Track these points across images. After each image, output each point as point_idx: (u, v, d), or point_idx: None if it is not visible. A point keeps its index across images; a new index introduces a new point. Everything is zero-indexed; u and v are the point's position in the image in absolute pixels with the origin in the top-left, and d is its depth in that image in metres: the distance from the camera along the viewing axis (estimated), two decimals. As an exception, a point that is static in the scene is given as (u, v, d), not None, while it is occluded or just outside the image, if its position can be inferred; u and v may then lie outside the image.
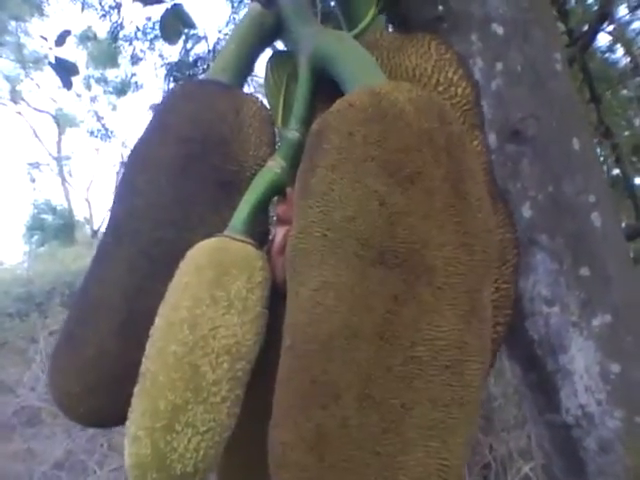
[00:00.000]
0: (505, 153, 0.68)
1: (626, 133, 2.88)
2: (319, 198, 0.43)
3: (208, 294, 0.46)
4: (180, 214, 0.54)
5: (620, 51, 2.99)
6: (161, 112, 0.57)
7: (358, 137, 0.42)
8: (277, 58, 0.59)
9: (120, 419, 0.50)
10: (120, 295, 0.53)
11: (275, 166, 0.53)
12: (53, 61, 1.84)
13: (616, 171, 2.64)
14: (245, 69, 0.60)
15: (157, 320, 0.47)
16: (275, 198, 0.55)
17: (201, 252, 0.49)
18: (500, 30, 0.67)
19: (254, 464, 0.51)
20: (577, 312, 0.66)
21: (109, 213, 0.58)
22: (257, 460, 0.50)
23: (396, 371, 0.37)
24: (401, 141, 0.41)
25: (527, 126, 0.67)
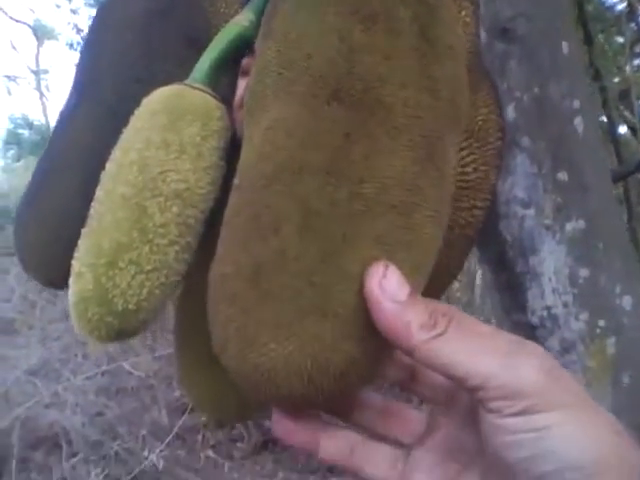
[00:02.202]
0: (493, 51, 0.67)
1: (616, 80, 2.86)
2: (278, 38, 0.41)
3: (160, 137, 0.45)
4: (146, 71, 0.52)
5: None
6: None
7: None
8: None
9: None
10: (83, 153, 0.52)
11: (243, 20, 0.50)
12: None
13: (600, 118, 2.64)
14: None
15: (108, 165, 0.46)
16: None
17: (157, 98, 0.47)
18: None
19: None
20: (552, 216, 0.67)
21: (74, 72, 0.56)
22: None
23: (340, 206, 0.36)
24: None
25: (517, 25, 0.65)
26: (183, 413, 2.60)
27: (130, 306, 0.43)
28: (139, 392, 2.89)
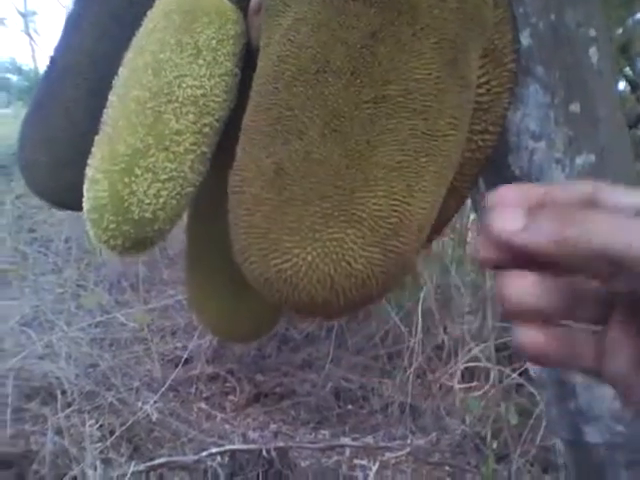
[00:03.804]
0: (511, -25, 0.64)
1: (618, 32, 2.81)
2: None
3: (175, 39, 0.43)
4: None
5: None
6: None
7: None
8: None
9: None
10: (89, 61, 0.50)
11: None
12: None
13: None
14: None
15: (120, 69, 0.45)
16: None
17: None
18: None
19: (221, 243, 0.51)
20: (562, 149, 0.65)
21: None
22: (224, 239, 0.49)
23: (365, 108, 0.35)
24: None
25: (538, -55, 0.62)
26: (176, 365, 2.61)
27: (147, 215, 0.42)
28: (133, 344, 2.90)
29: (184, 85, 0.43)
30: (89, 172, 0.43)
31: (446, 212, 0.48)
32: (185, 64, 0.43)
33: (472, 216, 2.63)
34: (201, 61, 0.43)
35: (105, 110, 0.44)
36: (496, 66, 0.48)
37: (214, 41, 0.44)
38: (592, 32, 0.65)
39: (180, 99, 0.42)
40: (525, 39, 0.63)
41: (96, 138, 0.44)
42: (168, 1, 0.45)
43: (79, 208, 0.54)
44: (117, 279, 3.24)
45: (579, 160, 0.65)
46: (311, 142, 0.35)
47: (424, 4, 0.37)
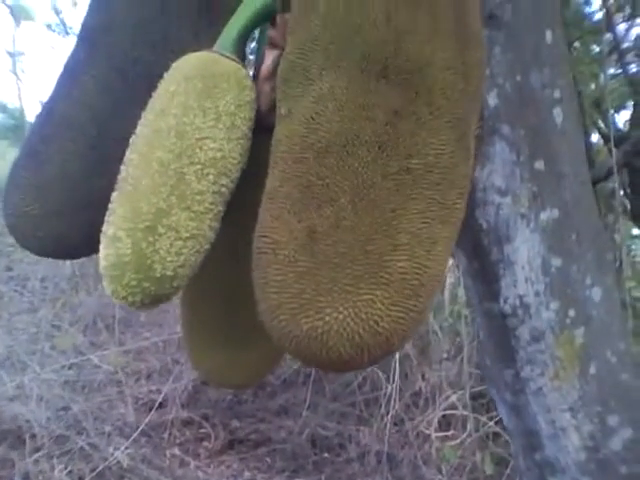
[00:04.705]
0: (478, 38, 0.67)
1: (592, 86, 2.91)
2: (323, 13, 0.42)
3: (197, 104, 0.45)
4: (160, 35, 0.51)
5: (596, 4, 2.98)
6: None
7: None
8: None
9: (76, 250, 0.48)
10: (90, 115, 0.51)
11: None
12: None
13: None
14: None
15: (139, 128, 0.45)
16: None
17: (190, 63, 0.47)
18: None
19: (224, 295, 0.52)
20: (527, 204, 0.67)
21: (82, 22, 0.54)
22: (227, 291, 0.50)
23: (390, 178, 0.38)
24: None
25: (504, 11, 0.66)
26: (150, 409, 2.56)
27: (168, 272, 0.43)
28: (106, 387, 2.84)
29: (205, 148, 0.44)
30: (109, 229, 0.44)
31: None
32: (207, 128, 0.45)
33: (449, 262, 2.65)
34: (221, 125, 0.45)
35: (123, 167, 0.45)
36: None
37: (233, 106, 0.46)
38: (557, 93, 0.68)
39: (202, 161, 0.44)
40: (492, 99, 0.66)
41: (114, 194, 0.45)
42: (187, 66, 0.47)
43: (63, 257, 0.54)
44: (93, 320, 3.20)
45: (543, 215, 0.67)
46: (342, 209, 0.38)
47: (438, 86, 0.40)
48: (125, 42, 0.51)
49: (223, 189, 0.46)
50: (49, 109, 0.53)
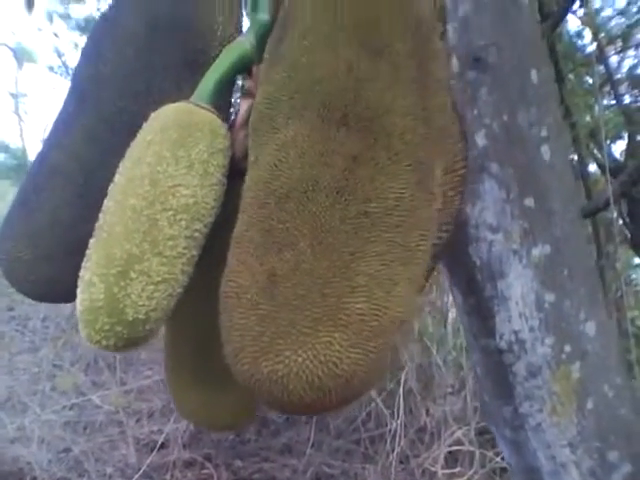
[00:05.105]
0: (465, 79, 0.68)
1: (587, 118, 2.94)
2: (288, 64, 0.44)
3: (170, 153, 0.46)
4: (143, 86, 0.53)
5: (588, 37, 3.04)
6: None
7: (331, 7, 0.43)
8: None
9: (69, 294, 0.49)
10: (78, 164, 0.53)
11: (245, 42, 0.53)
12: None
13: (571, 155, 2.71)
14: None
15: (117, 177, 0.47)
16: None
17: (166, 114, 0.49)
18: (471, -45, 0.68)
19: (201, 337, 0.52)
20: (519, 241, 0.68)
21: (72, 75, 0.56)
22: (204, 333, 0.51)
23: (349, 222, 0.39)
24: (373, 15, 0.43)
25: (488, 54, 0.67)
26: (152, 450, 2.53)
27: (140, 316, 0.44)
28: (107, 427, 2.82)
29: (178, 195, 0.46)
30: (84, 275, 0.45)
31: None
32: (179, 175, 0.46)
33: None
34: (194, 172, 0.47)
35: (101, 215, 0.47)
36: (449, 172, 0.52)
37: (206, 154, 0.48)
38: (544, 131, 0.69)
39: (174, 207, 0.46)
40: (480, 139, 0.67)
41: (91, 241, 0.46)
42: (163, 116, 0.49)
43: (56, 301, 0.56)
44: (94, 359, 3.18)
45: (535, 251, 0.68)
46: (301, 253, 0.38)
47: (397, 131, 0.41)
48: (112, 93, 0.54)
49: (196, 234, 0.47)
50: (41, 159, 0.55)
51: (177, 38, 0.54)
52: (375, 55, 0.42)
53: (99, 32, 0.57)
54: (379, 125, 0.41)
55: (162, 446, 2.53)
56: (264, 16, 0.53)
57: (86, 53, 0.57)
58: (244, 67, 0.54)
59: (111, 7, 0.57)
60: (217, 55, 0.54)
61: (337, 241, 0.39)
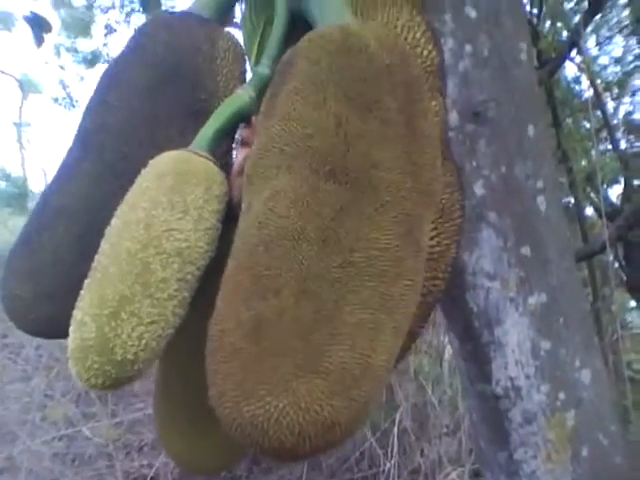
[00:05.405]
0: (464, 132, 0.71)
1: (583, 162, 2.99)
2: (281, 118, 0.46)
3: (166, 198, 0.48)
4: (148, 134, 0.55)
5: (585, 84, 3.10)
6: (139, 36, 0.59)
7: (324, 64, 0.45)
8: (257, 2, 0.61)
9: (67, 331, 0.50)
10: (81, 206, 0.54)
11: (244, 94, 0.55)
12: (28, 14, 1.81)
13: (567, 199, 2.75)
14: (226, 7, 0.61)
15: (113, 220, 0.49)
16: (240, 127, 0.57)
17: (164, 161, 0.51)
18: (473, 13, 0.70)
19: (192, 378, 0.53)
20: (515, 289, 0.70)
21: (78, 125, 0.58)
22: (194, 374, 0.51)
23: (333, 271, 0.40)
24: (362, 72, 0.45)
25: (487, 108, 0.70)
26: (141, 484, 2.49)
27: (129, 356, 0.45)
28: (97, 460, 2.78)
29: (172, 239, 0.47)
30: (77, 314, 0.46)
31: (401, 351, 0.52)
32: (174, 220, 0.48)
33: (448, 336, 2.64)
34: (188, 217, 0.48)
35: (96, 256, 0.48)
36: (445, 221, 0.54)
37: (201, 200, 0.49)
38: (540, 183, 0.71)
39: (167, 251, 0.47)
40: (479, 189, 0.69)
41: (86, 282, 0.47)
42: (162, 163, 0.51)
43: (55, 337, 0.57)
44: (85, 390, 3.15)
45: (531, 300, 0.70)
46: (286, 300, 0.39)
47: (383, 185, 0.43)
48: (117, 140, 0.56)
49: (189, 276, 0.48)
50: (44, 201, 0.57)
51: (181, 89, 0.57)
52: (364, 111, 0.44)
53: (105, 83, 0.59)
54: (366, 179, 0.43)
55: (151, 481, 2.49)
56: (265, 70, 0.56)
57: (91, 104, 0.59)
58: (243, 118, 0.56)
59: (117, 59, 0.59)
60: (219, 105, 0.56)
61: (321, 289, 0.40)
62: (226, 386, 0.39)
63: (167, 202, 0.48)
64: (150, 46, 0.57)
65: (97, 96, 0.58)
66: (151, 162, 0.51)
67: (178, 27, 0.57)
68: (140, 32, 0.59)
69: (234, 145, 0.60)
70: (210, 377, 0.40)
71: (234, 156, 0.58)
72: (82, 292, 0.47)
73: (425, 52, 0.55)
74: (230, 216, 0.52)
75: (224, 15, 0.62)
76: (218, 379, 0.39)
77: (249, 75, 0.60)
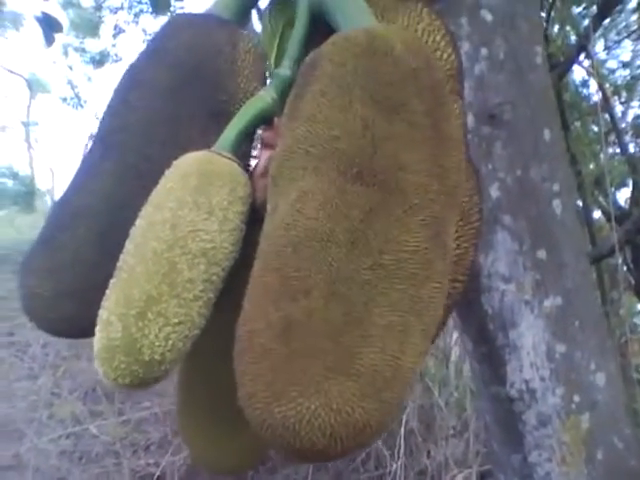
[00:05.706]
0: (480, 135, 0.71)
1: (591, 166, 2.98)
2: (306, 119, 0.46)
3: (191, 199, 0.48)
4: (170, 135, 0.55)
5: (593, 87, 3.10)
6: (160, 37, 0.59)
7: (349, 67, 0.46)
8: (276, 5, 0.61)
9: (88, 331, 0.50)
10: (103, 206, 0.54)
11: (266, 96, 0.55)
12: (38, 14, 1.82)
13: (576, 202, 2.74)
14: (246, 8, 0.61)
15: (138, 220, 0.49)
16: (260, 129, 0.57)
17: (188, 162, 0.51)
18: (489, 17, 0.71)
19: (215, 379, 0.53)
20: (531, 292, 0.70)
21: (98, 125, 0.58)
22: (218, 375, 0.52)
23: (363, 273, 0.40)
24: (389, 75, 0.45)
25: (503, 111, 0.70)
26: (148, 482, 2.50)
27: (156, 357, 0.46)
28: (104, 458, 2.78)
29: (197, 239, 0.47)
30: (103, 314, 0.46)
31: None
32: (200, 221, 0.48)
33: (455, 335, 2.65)
34: (214, 218, 0.49)
35: (121, 256, 0.48)
36: (464, 224, 0.54)
37: (225, 202, 0.50)
38: (556, 186, 0.71)
39: (193, 251, 0.47)
40: (494, 192, 0.70)
41: (111, 281, 0.48)
42: (187, 164, 0.51)
43: (75, 336, 0.57)
44: (93, 387, 3.16)
45: (547, 302, 0.70)
46: (316, 302, 0.39)
47: (411, 187, 0.43)
48: (139, 140, 0.56)
49: (214, 277, 0.49)
50: (64, 201, 0.56)
51: (202, 90, 0.57)
52: (391, 113, 0.44)
53: (126, 83, 0.59)
54: (394, 181, 0.43)
55: (158, 479, 2.49)
56: (286, 72, 0.56)
57: (113, 104, 0.59)
58: (265, 119, 0.56)
59: (137, 60, 0.59)
60: (240, 106, 0.56)
61: (351, 291, 0.40)
62: (256, 387, 0.39)
63: (193, 203, 0.48)
64: (171, 47, 0.57)
65: (118, 96, 0.58)
66: (175, 163, 0.51)
67: (199, 28, 0.57)
68: (161, 33, 0.59)
69: (253, 146, 0.60)
70: (239, 378, 0.40)
71: (254, 158, 0.58)
72: (108, 292, 0.47)
73: (445, 55, 0.55)
74: (252, 218, 0.52)
75: (244, 17, 0.62)
76: (247, 380, 0.40)
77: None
